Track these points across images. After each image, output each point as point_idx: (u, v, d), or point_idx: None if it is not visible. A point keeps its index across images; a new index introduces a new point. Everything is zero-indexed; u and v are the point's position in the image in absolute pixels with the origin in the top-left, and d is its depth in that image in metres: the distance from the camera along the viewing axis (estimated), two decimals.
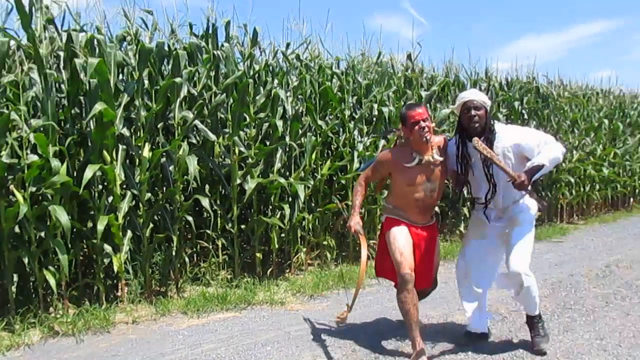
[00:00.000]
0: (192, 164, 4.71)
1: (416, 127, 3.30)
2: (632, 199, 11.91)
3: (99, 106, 4.15)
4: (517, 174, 3.10)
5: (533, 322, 3.52)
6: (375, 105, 6.67)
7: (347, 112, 6.39)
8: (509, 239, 3.40)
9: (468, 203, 7.67)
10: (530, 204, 3.44)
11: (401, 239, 3.40)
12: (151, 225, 4.84)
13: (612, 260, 6.30)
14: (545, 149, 3.17)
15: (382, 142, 6.54)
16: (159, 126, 4.99)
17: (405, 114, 3.37)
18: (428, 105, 7.28)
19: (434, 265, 3.64)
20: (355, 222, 3.48)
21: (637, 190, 11.79)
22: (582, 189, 9.93)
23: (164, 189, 5.14)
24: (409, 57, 7.80)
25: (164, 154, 4.90)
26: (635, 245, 7.36)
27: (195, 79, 5.45)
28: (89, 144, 4.57)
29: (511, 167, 3.22)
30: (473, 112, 3.33)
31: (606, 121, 11.14)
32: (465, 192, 3.96)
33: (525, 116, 9.22)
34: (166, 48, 5.14)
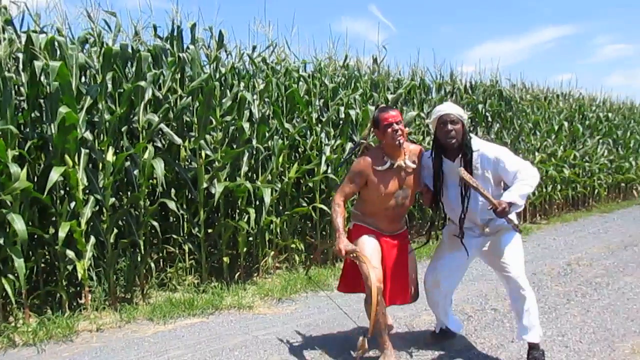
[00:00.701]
0: (159, 167, 4.64)
1: (389, 130, 3.21)
2: (591, 199, 12.26)
3: (63, 110, 4.05)
4: (498, 202, 3.01)
5: (534, 355, 3.26)
6: (342, 108, 6.70)
7: (314, 115, 6.41)
8: (498, 245, 3.29)
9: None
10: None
11: (369, 250, 3.29)
12: (115, 230, 4.75)
13: (573, 259, 6.48)
14: (522, 179, 3.09)
15: (349, 144, 6.58)
16: (123, 130, 4.91)
17: (378, 116, 3.28)
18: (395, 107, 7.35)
19: (408, 276, 3.49)
20: (345, 244, 3.21)
21: (596, 191, 12.15)
22: (544, 190, 10.18)
23: (129, 193, 5.05)
24: (374, 60, 7.87)
25: (128, 158, 4.82)
26: (594, 243, 7.58)
27: (160, 81, 5.38)
28: (50, 148, 4.46)
29: (490, 190, 3.15)
30: (450, 126, 3.19)
31: (566, 123, 11.46)
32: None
33: (489, 119, 9.42)
34: (130, 50, 5.06)
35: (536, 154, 10.05)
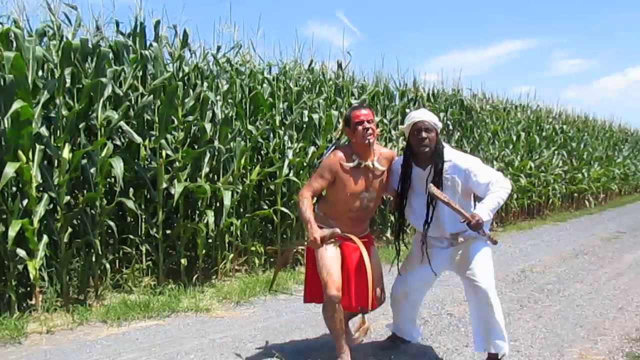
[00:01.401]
0: (118, 166, 4.54)
1: (359, 127, 3.13)
2: (545, 208, 12.63)
3: (17, 104, 3.92)
4: (471, 215, 2.92)
5: None
6: (306, 112, 6.72)
7: (278, 118, 6.40)
8: (467, 255, 3.21)
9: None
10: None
11: (329, 256, 3.16)
12: (70, 229, 4.62)
13: (526, 266, 6.66)
14: (494, 191, 3.01)
15: (312, 148, 6.60)
16: (80, 126, 4.77)
17: (350, 114, 3.21)
18: None
19: (372, 279, 3.29)
20: (320, 233, 3.07)
21: (550, 200, 12.53)
22: None
23: (85, 192, 4.93)
24: (339, 65, 7.92)
25: (85, 155, 4.70)
26: (547, 251, 7.81)
27: (121, 78, 5.27)
28: (3, 143, 4.30)
29: (458, 200, 3.09)
30: (424, 134, 3.11)
31: (523, 134, 11.80)
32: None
33: (450, 127, 9.60)
34: (90, 45, 4.93)
35: (494, 163, 10.29)
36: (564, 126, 14.26)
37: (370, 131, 3.14)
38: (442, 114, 9.18)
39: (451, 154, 3.22)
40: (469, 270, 3.16)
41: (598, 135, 16.89)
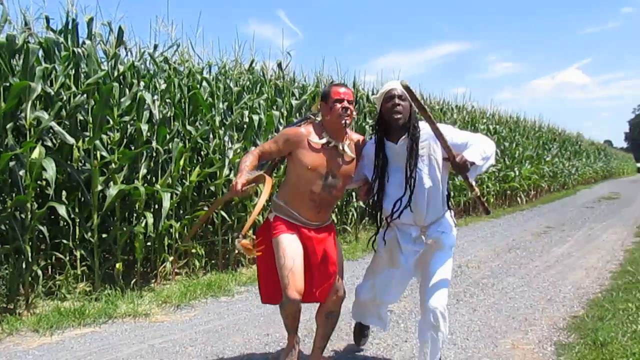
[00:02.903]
0: (51, 168, 4.36)
1: (338, 105, 2.94)
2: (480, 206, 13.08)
3: None
4: (457, 153, 2.71)
5: None
6: (246, 112, 6.68)
7: (218, 118, 6.32)
8: (428, 265, 3.03)
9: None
10: (452, 224, 3.15)
11: (291, 252, 2.96)
12: None
13: (463, 261, 6.89)
14: (477, 142, 2.87)
15: (252, 147, 6.56)
16: (7, 127, 4.55)
17: (330, 89, 3.02)
18: (298, 114, 7.44)
19: (336, 271, 3.14)
20: (242, 179, 2.82)
21: (484, 198, 12.99)
22: None
23: (14, 195, 4.70)
24: (279, 65, 7.90)
25: (14, 157, 4.48)
26: (483, 247, 8.11)
27: (52, 77, 5.06)
28: None
29: (436, 171, 2.97)
30: (397, 100, 2.92)
31: None
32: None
33: None
34: (18, 42, 4.71)
35: None
36: (497, 126, 14.85)
37: (348, 112, 2.97)
38: None
39: (423, 125, 2.99)
40: (425, 287, 3.01)
41: (529, 135, 17.70)
